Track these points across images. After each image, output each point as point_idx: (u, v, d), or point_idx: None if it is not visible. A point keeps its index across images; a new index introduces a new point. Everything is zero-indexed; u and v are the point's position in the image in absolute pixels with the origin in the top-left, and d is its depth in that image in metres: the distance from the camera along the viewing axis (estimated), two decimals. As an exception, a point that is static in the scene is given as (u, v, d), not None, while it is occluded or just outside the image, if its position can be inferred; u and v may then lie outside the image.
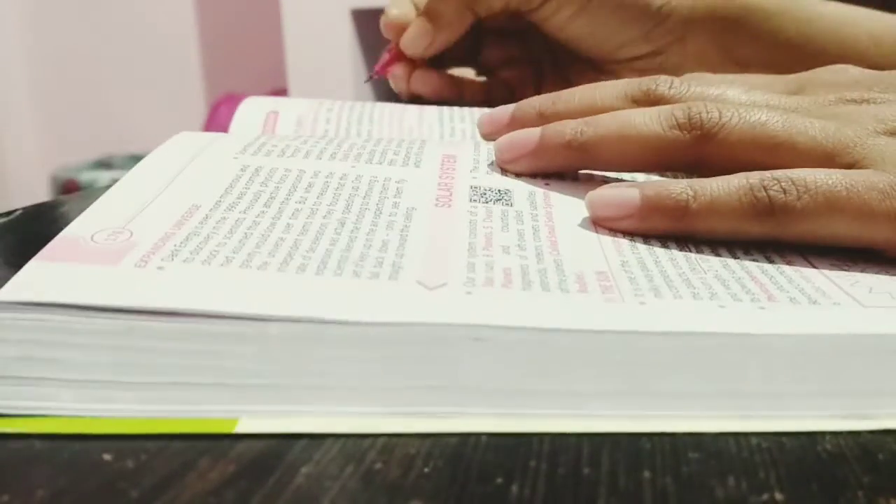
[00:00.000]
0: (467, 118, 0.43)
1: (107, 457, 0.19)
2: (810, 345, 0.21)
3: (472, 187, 0.29)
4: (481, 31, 0.51)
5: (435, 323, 0.20)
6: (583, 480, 0.18)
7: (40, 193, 1.97)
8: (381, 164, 0.30)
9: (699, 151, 0.28)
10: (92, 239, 0.24)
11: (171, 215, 0.25)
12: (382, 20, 0.49)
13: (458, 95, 0.51)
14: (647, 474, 0.18)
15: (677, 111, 0.28)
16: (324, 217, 0.26)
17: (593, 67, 0.49)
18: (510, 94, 0.51)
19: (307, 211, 0.26)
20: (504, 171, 0.31)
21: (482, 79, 0.53)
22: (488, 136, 0.34)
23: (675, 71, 0.39)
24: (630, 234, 0.27)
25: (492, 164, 0.31)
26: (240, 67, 1.90)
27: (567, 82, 0.45)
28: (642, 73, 0.37)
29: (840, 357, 0.21)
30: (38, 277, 0.21)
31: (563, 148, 0.30)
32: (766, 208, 0.26)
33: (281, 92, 1.41)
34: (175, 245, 0.23)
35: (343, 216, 0.26)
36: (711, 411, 0.21)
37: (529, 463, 0.19)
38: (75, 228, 0.24)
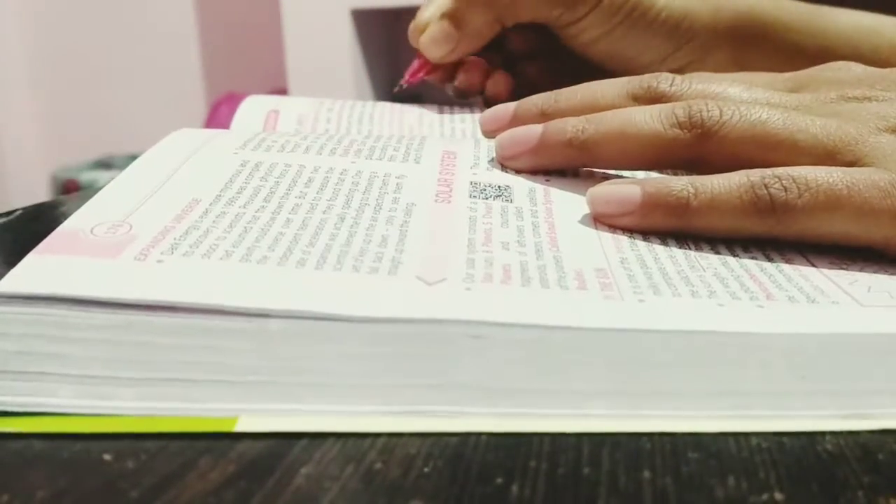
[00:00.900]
0: (468, 118, 0.44)
1: (107, 457, 0.19)
2: (808, 344, 0.21)
3: (471, 183, 0.29)
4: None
5: (434, 319, 0.20)
6: (583, 480, 0.18)
7: (40, 193, 1.97)
8: (381, 159, 0.30)
9: (700, 149, 0.28)
10: (91, 232, 0.24)
11: (170, 209, 0.25)
12: (413, 25, 0.47)
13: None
14: (647, 474, 0.18)
15: (678, 109, 0.28)
16: (323, 212, 0.26)
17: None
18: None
19: (307, 206, 0.26)
20: (504, 168, 0.31)
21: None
22: (490, 134, 0.34)
23: None
24: (630, 231, 0.27)
25: (492, 160, 0.31)
26: (240, 67, 1.90)
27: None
28: None
29: (838, 356, 0.21)
30: (37, 270, 0.21)
31: (565, 146, 0.30)
32: (767, 206, 0.26)
33: (281, 92, 1.41)
34: (175, 238, 0.23)
35: (343, 211, 0.26)
36: (710, 411, 0.21)
37: (529, 463, 0.19)
38: (75, 221, 0.24)
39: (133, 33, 1.94)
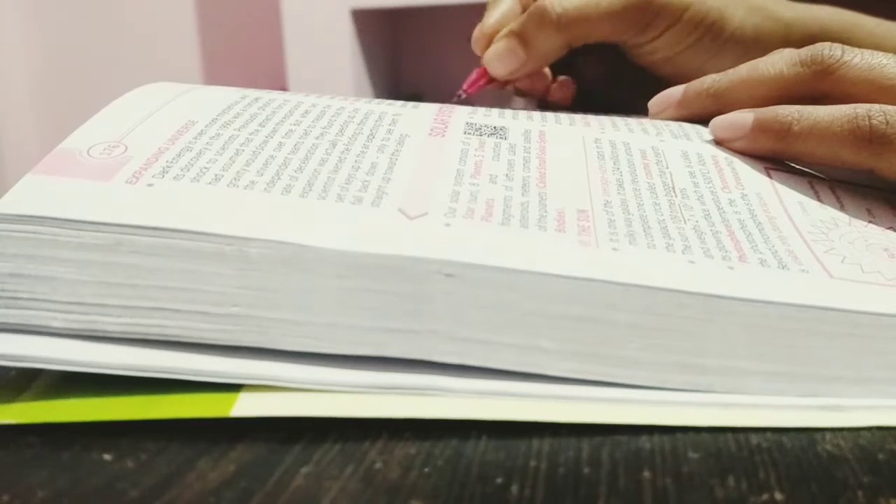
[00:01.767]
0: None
1: (107, 457, 0.19)
2: (768, 313, 0.21)
3: (468, 123, 0.29)
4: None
5: (409, 256, 0.21)
6: (583, 480, 0.18)
7: (40, 193, 1.97)
8: (379, 105, 0.31)
9: (819, 85, 0.30)
10: (88, 153, 0.24)
11: (166, 129, 0.26)
12: (477, 31, 0.45)
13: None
14: (647, 474, 0.18)
15: (803, 51, 0.30)
16: (316, 138, 0.26)
17: None
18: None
19: (301, 131, 0.27)
20: (502, 114, 0.31)
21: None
22: (658, 117, 0.35)
23: None
24: (742, 154, 0.29)
25: (489, 109, 0.32)
26: (240, 67, 1.90)
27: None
28: None
29: (794, 331, 0.21)
30: (32, 192, 0.22)
31: (702, 95, 0.33)
32: (865, 136, 0.27)
33: (281, 92, 1.41)
34: (167, 161, 0.24)
35: (336, 138, 0.27)
36: (666, 389, 0.21)
37: (529, 463, 0.19)
38: (73, 141, 0.25)
39: (133, 34, 1.94)
